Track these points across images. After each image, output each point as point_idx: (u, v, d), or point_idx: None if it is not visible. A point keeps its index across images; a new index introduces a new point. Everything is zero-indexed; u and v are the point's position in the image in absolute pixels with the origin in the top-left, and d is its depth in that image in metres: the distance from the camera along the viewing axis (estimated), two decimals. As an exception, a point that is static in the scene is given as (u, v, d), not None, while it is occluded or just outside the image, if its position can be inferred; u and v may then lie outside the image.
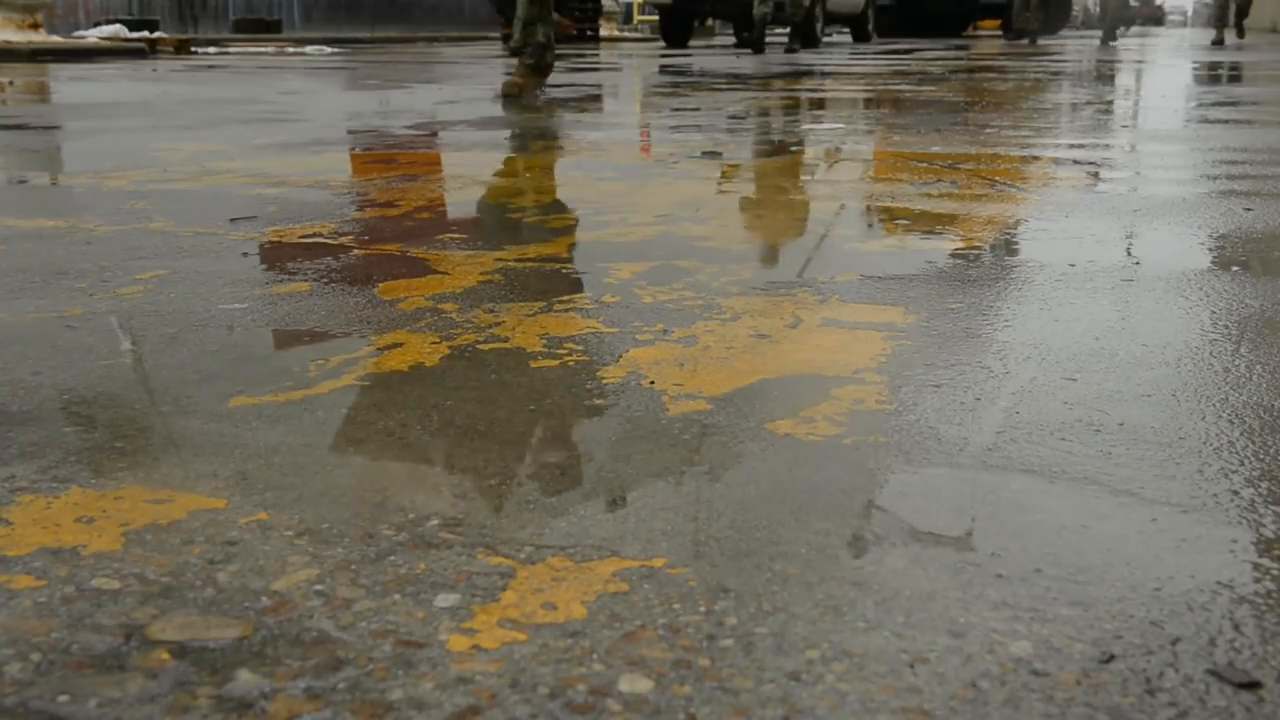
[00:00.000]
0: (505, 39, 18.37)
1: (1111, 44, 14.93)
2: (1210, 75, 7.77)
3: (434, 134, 3.96)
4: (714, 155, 3.31)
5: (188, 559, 0.82)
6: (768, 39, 15.33)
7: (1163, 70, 8.61)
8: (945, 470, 0.98)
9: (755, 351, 1.33)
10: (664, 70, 9.04)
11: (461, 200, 2.49)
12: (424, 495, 0.93)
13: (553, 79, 6.39)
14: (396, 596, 0.76)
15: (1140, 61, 10.26)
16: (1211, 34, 15.58)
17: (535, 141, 3.67)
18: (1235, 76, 7.56)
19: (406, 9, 22.14)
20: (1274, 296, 1.58)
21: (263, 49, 13.97)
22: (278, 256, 1.90)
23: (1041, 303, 1.55)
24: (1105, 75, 8.02)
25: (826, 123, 4.42)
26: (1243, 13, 15.31)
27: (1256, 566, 0.81)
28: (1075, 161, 3.11)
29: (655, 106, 5.29)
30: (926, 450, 1.02)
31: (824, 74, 8.17)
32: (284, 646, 0.70)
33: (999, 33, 19.84)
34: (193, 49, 13.05)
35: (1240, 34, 15.38)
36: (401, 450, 1.03)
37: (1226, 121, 4.24)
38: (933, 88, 6.45)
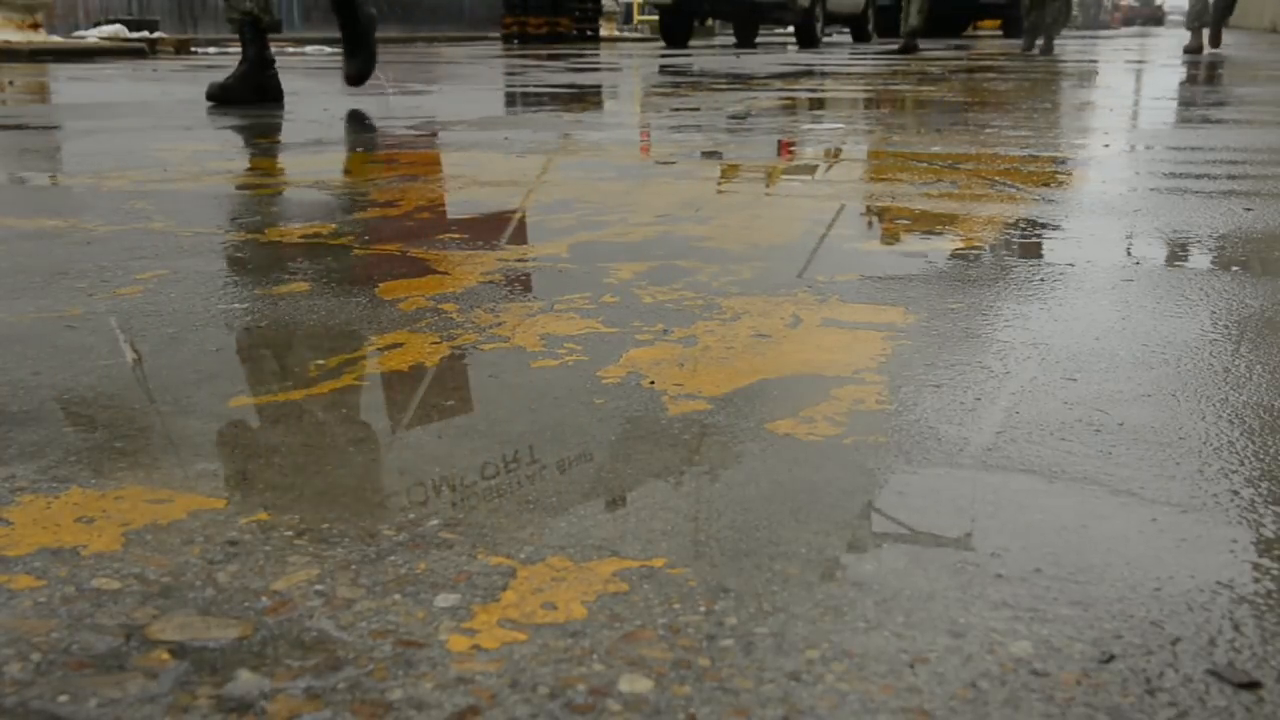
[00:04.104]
0: (507, 38, 18.43)
1: (1032, 51, 11.79)
2: (1208, 76, 7.77)
3: (434, 134, 3.96)
4: (714, 155, 3.31)
5: (188, 559, 0.82)
6: (767, 39, 14.97)
7: (1163, 71, 8.61)
8: (945, 470, 0.98)
9: (755, 351, 1.33)
10: (664, 70, 9.04)
11: (461, 200, 2.49)
12: (424, 495, 0.93)
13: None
14: (396, 596, 0.76)
15: (1139, 62, 10.26)
16: (1205, 40, 11.82)
17: (537, 142, 3.66)
18: (1234, 77, 7.56)
19: (406, 9, 22.14)
20: (1274, 296, 1.58)
21: (263, 49, 13.93)
22: (278, 256, 1.90)
23: (1041, 303, 1.55)
24: (1105, 76, 8.03)
25: (826, 123, 4.42)
26: (1223, 14, 11.77)
27: (1256, 566, 0.81)
28: (1075, 161, 3.11)
29: (655, 107, 5.29)
30: (926, 450, 1.02)
31: (824, 74, 8.17)
32: (284, 646, 0.70)
33: (999, 33, 19.68)
34: (193, 49, 13.05)
35: (1216, 41, 11.81)
36: (401, 450, 1.03)
37: (1226, 121, 4.24)
38: (933, 88, 6.46)
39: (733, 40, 17.16)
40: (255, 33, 5.07)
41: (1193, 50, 11.38)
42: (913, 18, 12.07)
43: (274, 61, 5.20)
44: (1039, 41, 11.98)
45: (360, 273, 1.75)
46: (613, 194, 2.53)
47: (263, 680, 0.67)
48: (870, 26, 17.98)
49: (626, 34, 24.79)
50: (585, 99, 5.83)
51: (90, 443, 1.05)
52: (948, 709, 0.64)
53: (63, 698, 0.65)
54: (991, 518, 0.88)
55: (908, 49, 11.94)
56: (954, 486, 0.94)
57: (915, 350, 1.33)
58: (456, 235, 2.06)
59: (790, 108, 5.14)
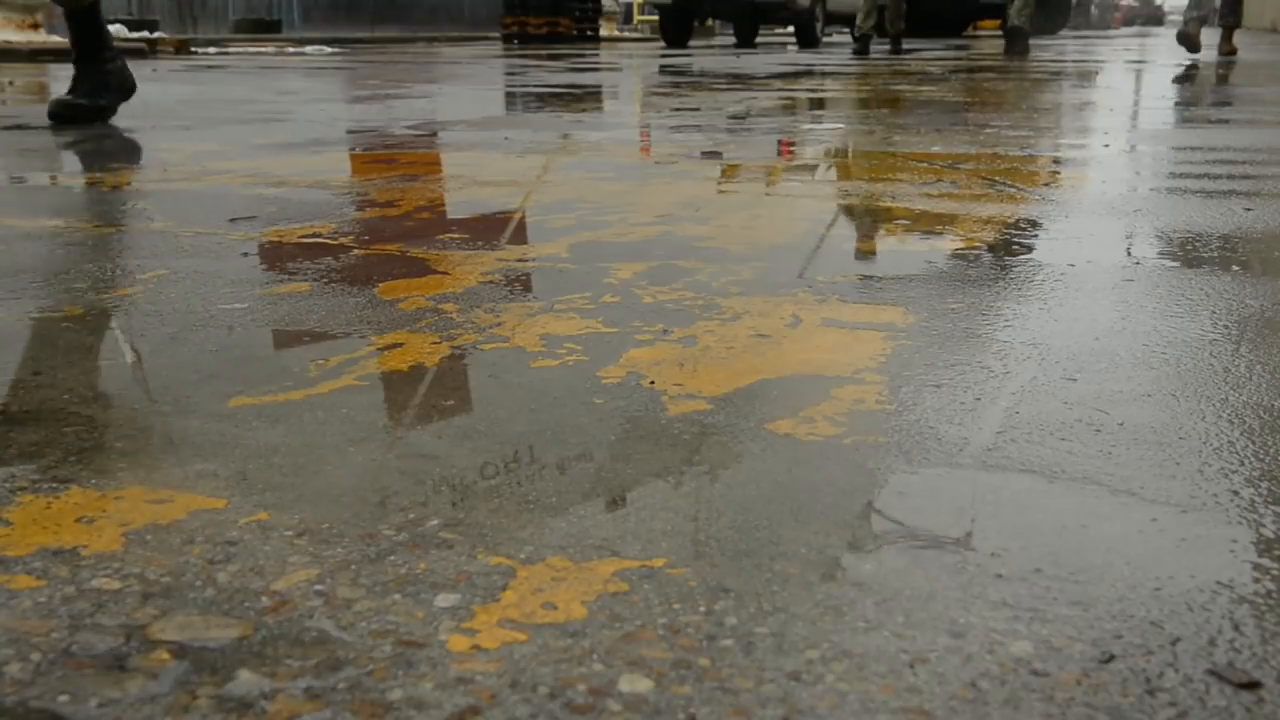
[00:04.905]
0: (507, 38, 18.43)
1: (1023, 53, 10.61)
2: (1207, 76, 7.77)
3: (434, 134, 3.96)
4: (714, 155, 3.31)
5: (188, 559, 0.82)
6: (767, 39, 14.75)
7: (1163, 71, 8.61)
8: (945, 470, 0.98)
9: (755, 351, 1.33)
10: (664, 70, 9.04)
11: (461, 200, 2.49)
12: (424, 495, 0.93)
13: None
14: (396, 596, 0.76)
15: (1139, 62, 10.26)
16: (1208, 41, 10.03)
17: (542, 141, 3.66)
18: (1234, 77, 7.56)
19: (406, 9, 22.15)
20: (1274, 296, 1.58)
21: (262, 49, 13.97)
22: (278, 256, 1.90)
23: (1041, 303, 1.55)
24: (1105, 76, 8.03)
25: (826, 123, 4.42)
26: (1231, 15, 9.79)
27: (1256, 566, 0.81)
28: (1075, 161, 3.11)
29: (655, 106, 5.29)
30: (926, 450, 1.02)
31: (824, 74, 8.17)
32: (284, 646, 0.70)
33: (999, 33, 19.63)
34: (192, 49, 13.05)
35: (1229, 51, 9.81)
36: (401, 450, 1.03)
37: (1227, 121, 4.24)
38: (932, 88, 6.45)
39: (733, 40, 17.16)
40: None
41: (1191, 49, 9.93)
42: (861, 21, 11.32)
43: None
44: (1021, 43, 10.98)
45: (360, 273, 1.75)
46: (613, 194, 2.53)
47: (263, 680, 0.67)
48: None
49: (626, 34, 24.80)
50: (585, 99, 5.83)
51: (90, 443, 1.05)
52: (948, 709, 0.64)
53: (63, 698, 0.65)
54: (991, 518, 0.88)
55: (863, 51, 11.21)
56: (954, 486, 0.94)
57: (915, 350, 1.33)
58: (456, 235, 2.06)
59: (790, 108, 5.14)
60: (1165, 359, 1.29)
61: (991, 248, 1.92)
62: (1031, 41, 11.64)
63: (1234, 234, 2.03)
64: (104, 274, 1.74)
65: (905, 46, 14.28)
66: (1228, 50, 9.80)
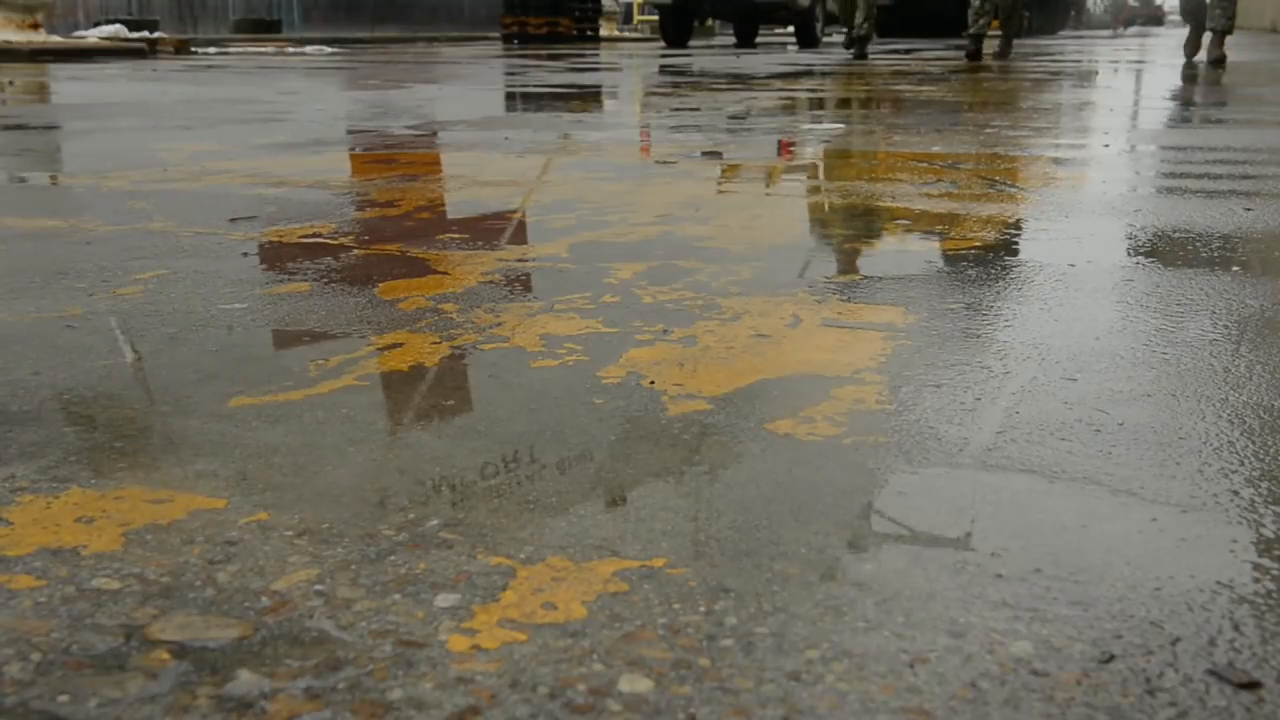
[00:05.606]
0: (507, 38, 18.42)
1: (979, 59, 10.14)
2: (1207, 76, 7.77)
3: (434, 134, 3.96)
4: (714, 155, 3.31)
5: (188, 559, 0.82)
6: (767, 39, 14.66)
7: (1162, 71, 8.61)
8: (945, 470, 0.98)
9: (755, 351, 1.33)
10: (664, 70, 9.04)
11: (461, 200, 2.49)
12: (424, 495, 0.93)
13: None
14: (396, 596, 0.76)
15: (1139, 62, 10.25)
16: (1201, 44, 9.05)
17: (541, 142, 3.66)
18: (1234, 77, 7.55)
19: (406, 9, 22.16)
20: (1274, 296, 1.58)
21: (262, 49, 13.97)
22: (278, 256, 1.90)
23: (1041, 303, 1.55)
24: (1104, 76, 8.03)
25: (826, 123, 4.42)
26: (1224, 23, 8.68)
27: (1256, 566, 0.81)
28: (1074, 161, 3.11)
29: (655, 106, 5.29)
30: (926, 450, 1.02)
31: (824, 74, 8.17)
32: (284, 646, 0.70)
33: (998, 33, 19.63)
34: (192, 49, 13.05)
35: (1218, 58, 8.69)
36: (401, 450, 1.03)
37: (1226, 121, 4.24)
38: (933, 88, 6.45)
39: (733, 40, 17.16)
40: None
41: (1191, 51, 9.23)
42: (860, 23, 10.76)
43: None
44: (987, 46, 10.36)
45: (360, 273, 1.75)
46: (613, 194, 2.53)
47: (263, 680, 0.67)
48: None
49: (626, 34, 24.80)
50: (585, 99, 5.83)
51: (90, 443, 1.05)
52: (948, 709, 0.64)
53: (63, 698, 0.65)
54: (991, 518, 0.88)
55: (861, 55, 10.82)
56: (954, 486, 0.94)
57: (915, 350, 1.33)
58: (456, 235, 2.06)
59: (790, 108, 5.14)
60: (1165, 359, 1.29)
61: (991, 248, 1.92)
62: (1034, 41, 11.73)
63: (1234, 234, 2.03)
64: (104, 274, 1.74)
65: (905, 46, 14.26)
66: (1218, 56, 8.91)
